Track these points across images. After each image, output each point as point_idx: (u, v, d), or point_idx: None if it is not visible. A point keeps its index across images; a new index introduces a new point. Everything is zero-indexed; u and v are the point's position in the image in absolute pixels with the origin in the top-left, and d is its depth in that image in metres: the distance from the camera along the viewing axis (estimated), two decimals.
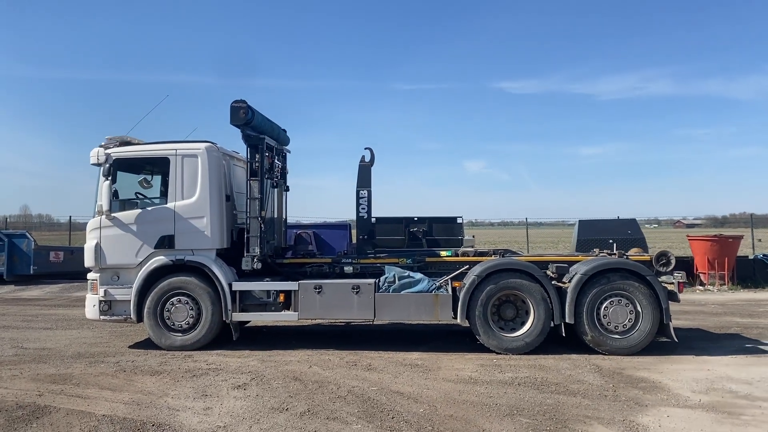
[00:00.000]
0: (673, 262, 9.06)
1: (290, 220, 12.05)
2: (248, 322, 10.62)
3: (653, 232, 77.68)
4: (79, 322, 11.85)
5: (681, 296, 9.00)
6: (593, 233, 14.07)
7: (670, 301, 8.63)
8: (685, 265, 18.70)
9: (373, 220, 11.89)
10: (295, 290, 9.14)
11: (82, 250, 9.75)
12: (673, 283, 8.89)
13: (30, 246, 19.65)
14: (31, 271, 19.55)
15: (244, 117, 9.07)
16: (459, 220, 11.44)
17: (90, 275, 9.62)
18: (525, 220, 30.67)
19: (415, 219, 11.25)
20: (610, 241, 12.07)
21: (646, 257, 9.17)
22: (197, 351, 9.00)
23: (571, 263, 9.10)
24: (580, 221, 14.88)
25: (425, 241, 11.26)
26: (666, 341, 8.74)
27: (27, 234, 20.19)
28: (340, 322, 11.35)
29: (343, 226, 15.39)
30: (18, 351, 9.24)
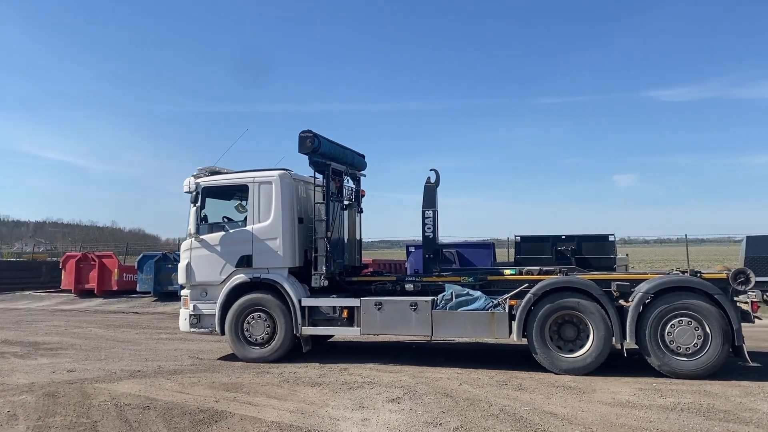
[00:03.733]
0: (753, 280, 8.32)
1: (444, 240, 12.38)
2: (331, 336, 11.37)
3: None
4: None
5: None
6: (765, 250, 12.90)
7: (743, 322, 8.10)
8: None
9: (518, 239, 11.80)
10: (357, 306, 9.60)
11: None
12: (747, 302, 8.26)
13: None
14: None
15: (311, 146, 9.69)
16: (611, 238, 11.02)
17: (183, 291, 10.67)
18: (685, 237, 28.46)
19: (563, 237, 10.97)
20: None
21: (722, 275, 8.52)
22: (351, 365, 9.48)
23: (636, 282, 8.67)
24: (748, 237, 13.78)
25: (574, 260, 10.97)
26: None
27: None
28: (490, 342, 11.32)
29: (487, 245, 15.37)
30: (195, 361, 10.25)
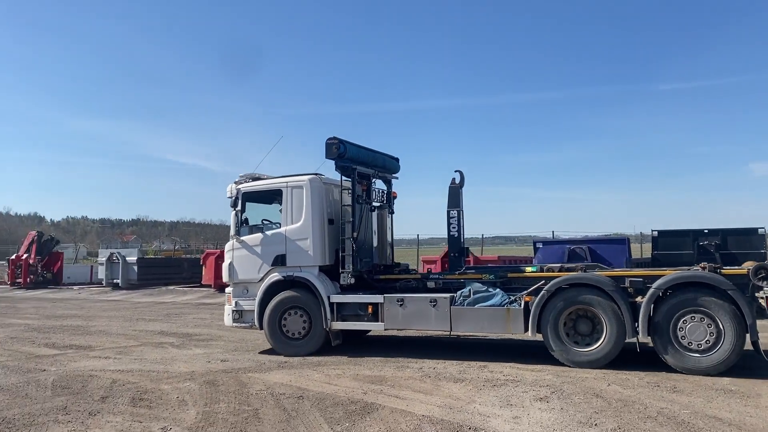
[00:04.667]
0: None
1: (564, 235, 12.16)
2: (367, 331, 11.74)
3: None
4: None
5: None
6: None
7: (759, 318, 8.18)
8: None
9: (655, 233, 11.52)
10: (380, 302, 10.15)
11: None
12: (764, 297, 8.20)
13: None
14: None
15: (336, 152, 10.32)
16: (760, 231, 10.46)
17: (227, 289, 11.43)
18: None
19: (706, 231, 10.58)
20: None
21: (743, 271, 8.45)
22: (491, 362, 9.48)
23: (651, 278, 8.71)
24: None
25: (719, 255, 10.46)
26: None
27: None
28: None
29: (621, 241, 14.86)
30: (335, 353, 10.64)
